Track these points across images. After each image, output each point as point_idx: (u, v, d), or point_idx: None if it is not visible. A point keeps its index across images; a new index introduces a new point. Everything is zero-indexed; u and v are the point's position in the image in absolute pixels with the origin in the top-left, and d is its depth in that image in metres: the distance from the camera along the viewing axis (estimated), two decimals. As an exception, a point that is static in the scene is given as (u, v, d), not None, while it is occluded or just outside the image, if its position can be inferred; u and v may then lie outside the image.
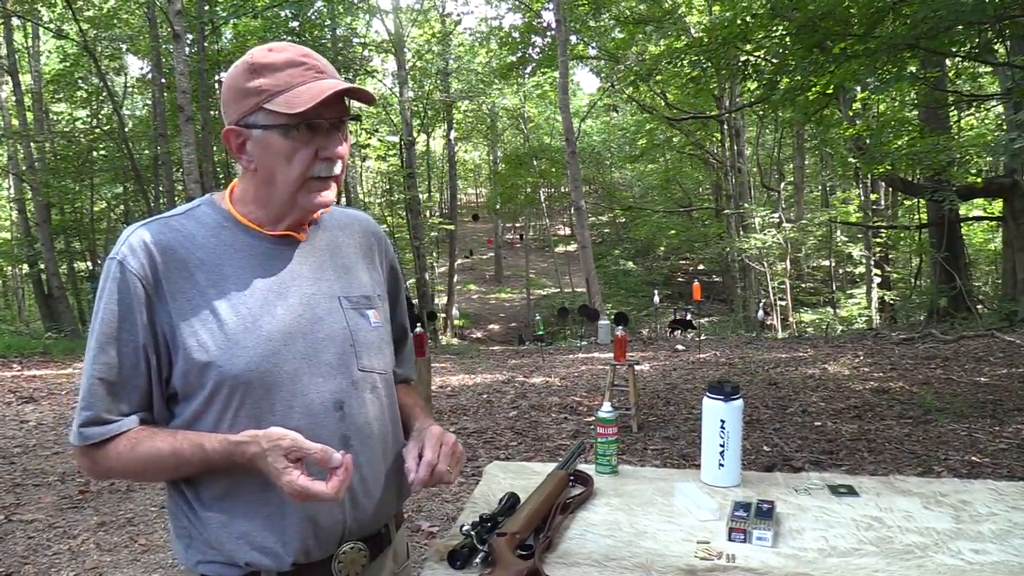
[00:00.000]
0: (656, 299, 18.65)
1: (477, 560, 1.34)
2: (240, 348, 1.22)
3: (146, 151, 19.99)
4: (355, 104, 1.47)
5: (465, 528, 1.39)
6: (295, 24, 16.49)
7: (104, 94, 19.17)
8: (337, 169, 1.28)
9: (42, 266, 19.07)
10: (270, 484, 1.21)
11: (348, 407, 1.29)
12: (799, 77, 8.50)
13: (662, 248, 32.11)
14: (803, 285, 23.95)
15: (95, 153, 19.87)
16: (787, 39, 8.56)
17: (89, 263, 23.49)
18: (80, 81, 19.82)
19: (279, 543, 1.24)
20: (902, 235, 20.14)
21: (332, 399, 1.28)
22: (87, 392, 1.22)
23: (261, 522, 1.24)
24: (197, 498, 1.26)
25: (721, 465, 1.78)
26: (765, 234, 20.36)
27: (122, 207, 22.89)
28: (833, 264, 22.43)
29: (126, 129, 19.26)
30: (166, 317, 1.22)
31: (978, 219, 17.51)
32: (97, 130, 19.86)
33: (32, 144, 19.22)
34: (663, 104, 22.82)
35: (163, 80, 17.61)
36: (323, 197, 1.29)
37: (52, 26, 18.70)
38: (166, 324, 1.22)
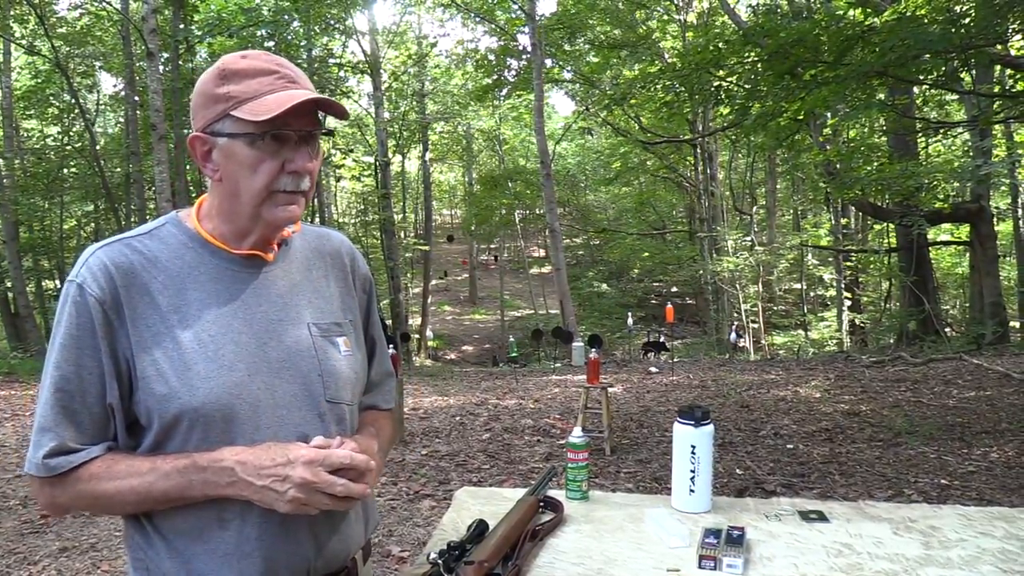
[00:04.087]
0: (630, 321, 18.71)
1: (444, 590, 1.30)
2: (200, 379, 1.15)
3: (118, 169, 19.81)
4: (331, 120, 1.42)
5: (432, 556, 1.35)
6: (271, 44, 16.47)
7: (76, 111, 19.00)
8: (305, 184, 1.22)
9: (9, 284, 18.73)
10: (226, 522, 1.16)
11: (314, 441, 1.22)
12: (771, 103, 8.61)
13: (636, 270, 32.29)
14: (775, 308, 24.17)
15: (66, 170, 19.63)
16: (759, 66, 8.67)
17: (57, 282, 23.06)
18: (52, 98, 19.59)
19: None
20: (872, 259, 20.36)
21: (296, 432, 1.21)
22: (48, 420, 1.16)
23: (219, 561, 1.18)
24: (155, 530, 1.20)
25: (692, 491, 1.77)
26: (738, 257, 20.57)
27: (92, 225, 22.56)
28: (804, 287, 22.66)
29: (98, 147, 19.08)
30: (127, 343, 1.16)
31: (946, 243, 17.82)
32: (68, 147, 19.63)
33: (1, 161, 18.95)
34: (637, 128, 23.00)
35: (136, 98, 17.50)
36: (289, 211, 1.22)
37: (24, 42, 18.51)
38: (127, 351, 1.16)
